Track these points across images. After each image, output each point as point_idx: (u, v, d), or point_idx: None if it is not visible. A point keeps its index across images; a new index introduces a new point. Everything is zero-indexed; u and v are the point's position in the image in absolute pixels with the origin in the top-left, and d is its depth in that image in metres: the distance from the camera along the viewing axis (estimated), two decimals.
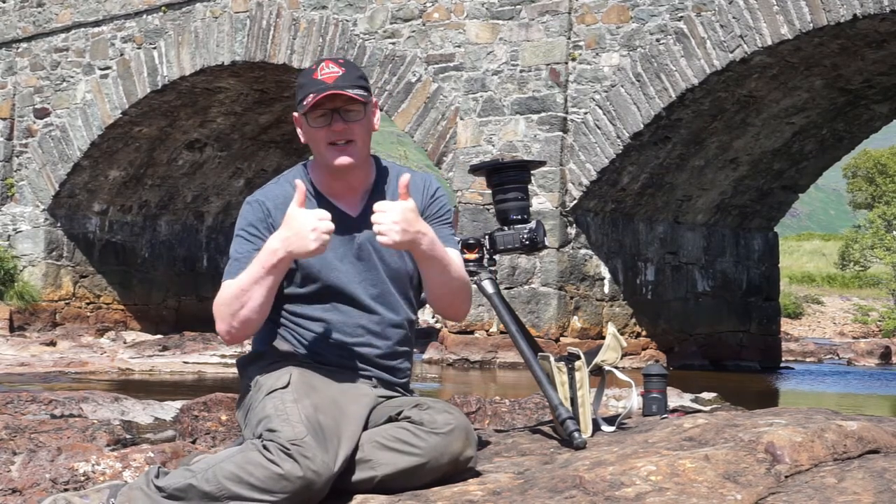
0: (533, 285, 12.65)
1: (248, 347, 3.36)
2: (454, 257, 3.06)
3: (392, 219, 2.85)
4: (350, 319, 3.03)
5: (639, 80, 12.19)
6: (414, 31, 13.87)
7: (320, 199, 3.06)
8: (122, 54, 16.50)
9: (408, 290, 3.12)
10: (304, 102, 2.99)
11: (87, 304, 17.49)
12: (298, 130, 3.11)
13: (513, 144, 12.88)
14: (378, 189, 3.10)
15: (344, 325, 3.03)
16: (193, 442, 4.63)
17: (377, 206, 2.89)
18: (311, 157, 3.18)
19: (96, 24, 16.82)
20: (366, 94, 3.01)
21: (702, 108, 12.40)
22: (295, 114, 3.09)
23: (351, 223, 3.05)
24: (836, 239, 50.38)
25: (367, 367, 3.05)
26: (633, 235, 13.72)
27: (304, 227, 2.81)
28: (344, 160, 3.00)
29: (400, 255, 3.08)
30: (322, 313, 3.03)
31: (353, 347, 3.04)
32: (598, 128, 12.48)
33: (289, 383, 2.90)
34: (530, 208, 3.69)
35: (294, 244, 2.82)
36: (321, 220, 2.82)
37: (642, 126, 12.18)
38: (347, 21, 14.36)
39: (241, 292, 2.88)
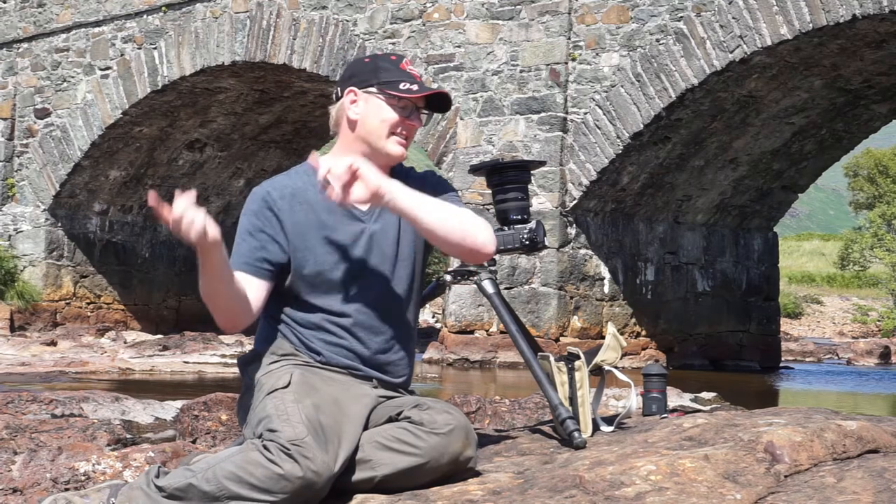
0: (533, 285, 12.66)
1: (248, 347, 3.36)
2: (449, 205, 3.00)
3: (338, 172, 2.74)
4: (352, 318, 3.03)
5: (639, 80, 12.19)
6: (414, 31, 13.87)
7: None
8: (122, 54, 16.51)
9: (411, 289, 3.11)
10: (402, 87, 3.01)
11: (88, 304, 17.50)
12: (353, 107, 3.04)
13: (513, 144, 12.88)
14: None
15: (345, 323, 3.03)
16: (193, 442, 4.63)
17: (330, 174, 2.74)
18: (319, 153, 3.15)
19: (97, 24, 16.83)
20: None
21: (702, 108, 12.40)
22: (357, 88, 3.03)
23: (359, 217, 3.05)
24: (835, 239, 50.38)
25: (367, 367, 3.05)
26: (633, 235, 13.72)
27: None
28: (402, 152, 3.06)
29: (407, 250, 3.09)
30: (323, 312, 3.02)
31: (354, 346, 3.03)
32: (598, 128, 12.48)
33: (289, 383, 2.89)
34: (530, 208, 3.69)
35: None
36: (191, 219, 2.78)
37: (642, 126, 12.18)
38: (347, 21, 14.36)
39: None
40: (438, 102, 3.09)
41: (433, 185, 3.14)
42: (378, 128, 3.02)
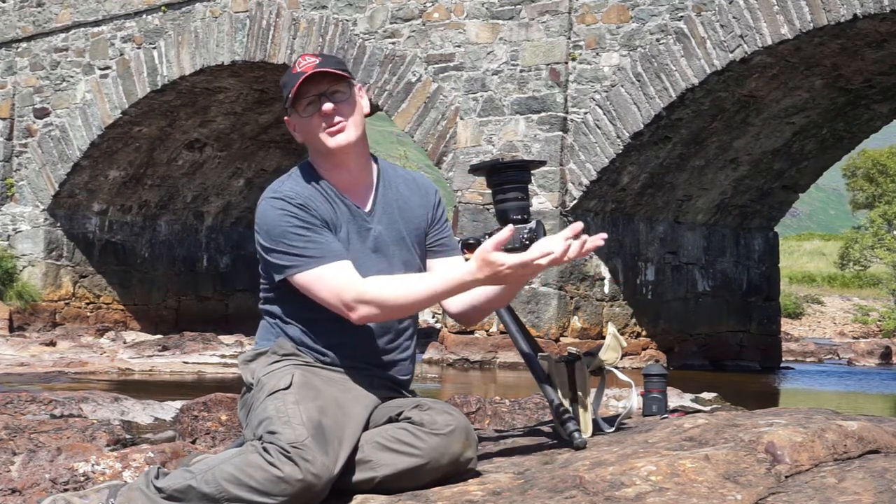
0: (533, 285, 12.65)
1: (248, 347, 3.35)
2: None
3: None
4: None
5: (639, 80, 12.19)
6: (414, 31, 13.86)
7: (334, 194, 3.04)
8: (121, 54, 16.50)
9: None
10: (290, 95, 3.01)
11: (87, 304, 17.49)
12: (293, 132, 3.12)
13: (513, 144, 12.88)
14: (382, 184, 3.11)
15: (348, 324, 3.02)
16: (193, 442, 4.63)
17: (544, 248, 3.02)
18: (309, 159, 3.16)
19: (96, 23, 16.82)
20: (346, 72, 3.04)
21: (702, 107, 12.39)
22: (286, 117, 3.11)
23: (364, 218, 3.05)
24: (836, 239, 50.35)
25: (369, 367, 3.04)
26: (633, 235, 13.71)
27: (502, 270, 2.91)
28: (340, 139, 3.01)
29: (409, 251, 3.09)
30: (326, 312, 3.01)
31: (356, 347, 3.03)
32: (598, 128, 12.48)
33: (291, 384, 2.89)
34: (530, 208, 3.67)
35: (490, 279, 2.92)
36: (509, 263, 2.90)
37: (642, 126, 12.18)
38: (347, 21, 14.36)
39: (415, 303, 2.90)
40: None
41: (440, 214, 3.21)
42: (308, 137, 3.05)
